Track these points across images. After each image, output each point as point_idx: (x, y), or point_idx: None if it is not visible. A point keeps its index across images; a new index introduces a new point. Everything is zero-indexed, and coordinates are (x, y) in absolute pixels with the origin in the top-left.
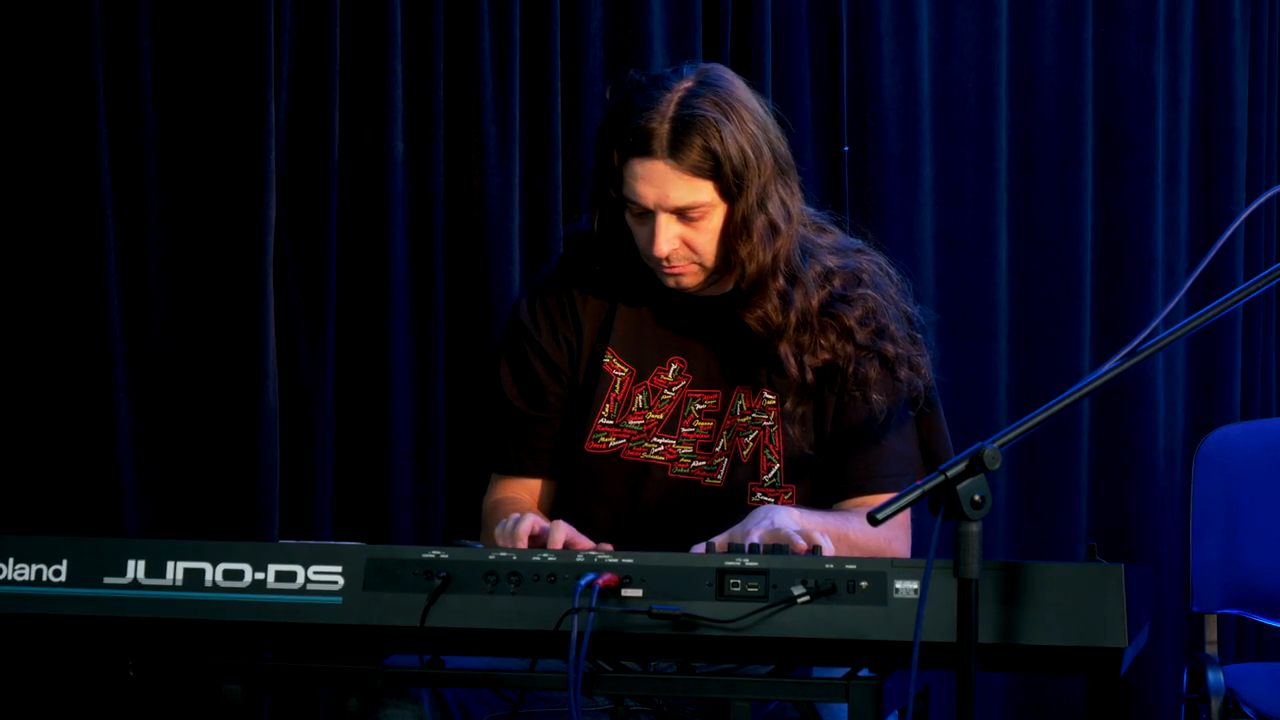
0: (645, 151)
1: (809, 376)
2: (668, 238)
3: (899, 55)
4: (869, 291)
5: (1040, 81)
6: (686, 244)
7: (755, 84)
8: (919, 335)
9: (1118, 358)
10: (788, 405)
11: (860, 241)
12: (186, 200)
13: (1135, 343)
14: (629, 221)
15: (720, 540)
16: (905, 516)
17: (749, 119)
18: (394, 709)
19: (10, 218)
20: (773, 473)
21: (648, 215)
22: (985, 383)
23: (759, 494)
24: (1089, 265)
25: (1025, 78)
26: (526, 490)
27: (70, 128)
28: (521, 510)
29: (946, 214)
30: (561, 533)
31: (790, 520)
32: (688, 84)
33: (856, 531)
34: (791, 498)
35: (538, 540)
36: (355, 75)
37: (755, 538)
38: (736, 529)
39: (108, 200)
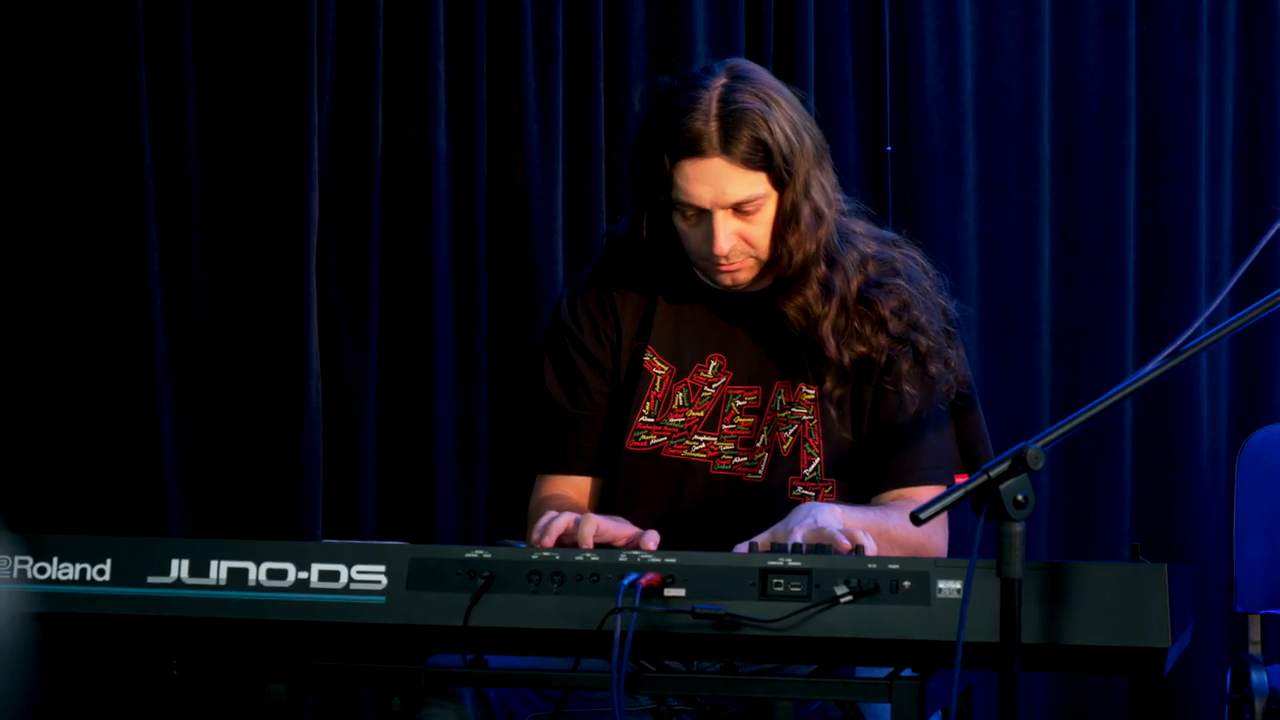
0: (697, 151)
1: (846, 359)
2: (726, 234)
3: (942, 55)
4: (903, 283)
5: (1083, 81)
6: (743, 239)
7: (797, 84)
8: (954, 330)
9: (1161, 358)
10: (827, 385)
11: (895, 234)
12: (229, 200)
13: (1178, 342)
14: (679, 225)
15: (763, 539)
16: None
17: (786, 106)
18: (437, 708)
19: (54, 218)
20: (813, 467)
21: (702, 217)
22: (1028, 383)
23: (799, 488)
24: (1132, 265)
25: (1068, 77)
26: (573, 488)
27: (113, 127)
28: (568, 509)
29: (989, 214)
30: (591, 525)
31: (833, 519)
32: (723, 80)
33: (897, 527)
34: (832, 492)
35: (570, 537)
36: (398, 75)
37: (798, 537)
38: (779, 527)
39: (150, 200)
